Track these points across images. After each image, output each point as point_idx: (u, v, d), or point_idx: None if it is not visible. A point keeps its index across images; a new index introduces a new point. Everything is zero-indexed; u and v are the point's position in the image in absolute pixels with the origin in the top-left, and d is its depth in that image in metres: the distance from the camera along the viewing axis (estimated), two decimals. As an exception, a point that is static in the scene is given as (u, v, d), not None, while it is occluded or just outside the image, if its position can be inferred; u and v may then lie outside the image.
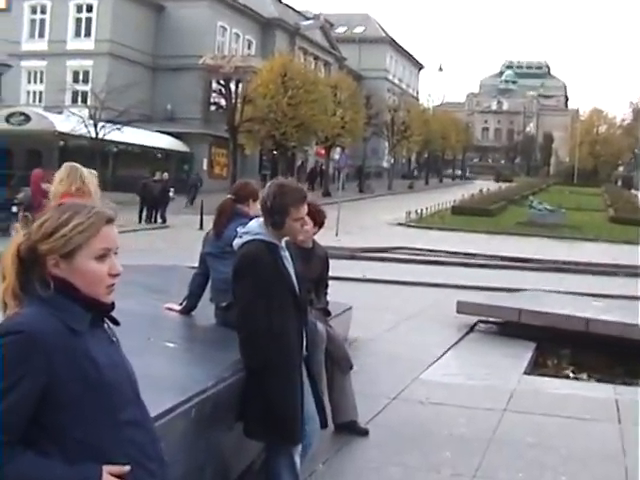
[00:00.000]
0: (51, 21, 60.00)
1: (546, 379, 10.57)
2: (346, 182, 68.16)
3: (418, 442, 7.38)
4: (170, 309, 7.46)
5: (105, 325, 2.77)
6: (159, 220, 37.09)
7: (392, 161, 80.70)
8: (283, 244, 5.43)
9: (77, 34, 59.62)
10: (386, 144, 79.56)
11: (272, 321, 5.18)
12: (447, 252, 27.25)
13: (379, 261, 25.22)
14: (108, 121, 38.34)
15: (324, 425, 5.60)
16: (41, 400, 2.50)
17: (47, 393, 2.50)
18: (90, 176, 8.82)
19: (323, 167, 68.22)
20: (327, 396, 7.43)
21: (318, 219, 7.46)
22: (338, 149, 63.63)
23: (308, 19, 79.26)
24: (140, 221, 36.41)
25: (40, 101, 58.72)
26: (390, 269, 22.71)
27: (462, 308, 13.59)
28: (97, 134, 37.46)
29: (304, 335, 5.42)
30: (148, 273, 11.04)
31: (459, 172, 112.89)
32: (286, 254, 5.43)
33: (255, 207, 6.75)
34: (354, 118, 62.27)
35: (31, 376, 2.47)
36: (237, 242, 5.46)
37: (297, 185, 5.58)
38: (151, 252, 20.75)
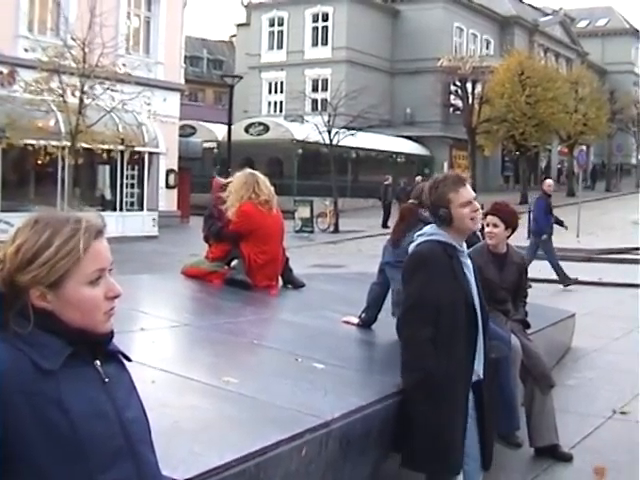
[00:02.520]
0: (289, 32, 61.09)
1: None
2: (590, 180, 66.19)
3: (628, 471, 6.51)
4: (347, 322, 6.98)
5: (97, 362, 2.20)
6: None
7: (639, 158, 77.22)
8: (464, 248, 4.84)
9: (314, 43, 60.50)
10: (633, 140, 76.36)
11: (439, 329, 4.57)
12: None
13: (618, 263, 23.88)
14: (345, 127, 38.43)
15: (486, 466, 4.83)
16: None
17: None
18: (266, 182, 8.61)
19: (560, 166, 66.44)
20: (525, 416, 6.80)
21: (510, 221, 6.83)
22: (583, 147, 61.52)
23: (547, 15, 77.25)
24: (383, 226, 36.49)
25: (281, 111, 59.86)
26: (630, 271, 21.36)
27: (702, 315, 12.38)
28: (331, 140, 37.56)
29: (476, 356, 4.72)
30: (348, 281, 10.65)
31: None
32: (467, 261, 4.82)
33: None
34: (597, 114, 59.94)
35: None
36: (411, 247, 4.93)
37: (454, 172, 5.05)
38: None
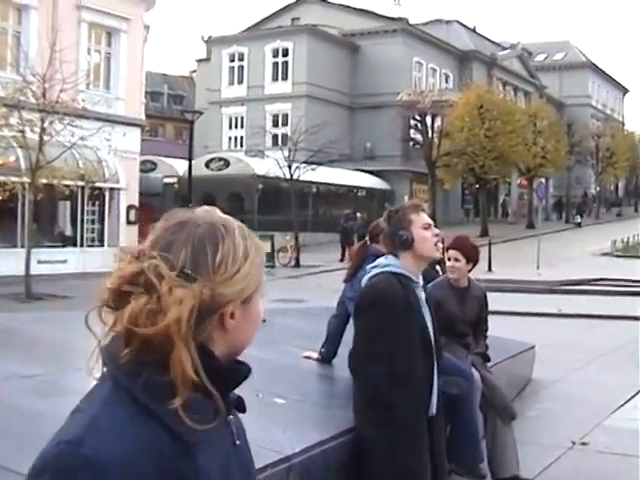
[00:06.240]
0: (249, 67, 61.24)
1: None
2: (552, 213, 66.78)
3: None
4: (308, 357, 6.99)
5: (230, 417, 1.75)
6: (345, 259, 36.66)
7: (598, 189, 78.08)
8: (420, 280, 4.73)
9: (274, 78, 60.66)
10: (591, 172, 77.17)
11: (397, 364, 4.49)
12: (652, 283, 25.63)
13: (579, 294, 24.04)
14: (305, 162, 38.57)
15: None
16: None
17: None
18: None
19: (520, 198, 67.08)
20: (487, 448, 6.81)
21: (471, 256, 6.89)
22: (542, 179, 62.04)
23: (505, 49, 78.17)
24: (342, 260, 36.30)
25: (241, 146, 59.84)
26: (590, 302, 21.54)
27: (660, 345, 12.47)
28: (292, 175, 37.68)
29: (434, 390, 4.68)
30: (309, 316, 10.62)
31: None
32: (422, 295, 4.73)
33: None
34: (556, 147, 60.52)
35: None
36: (365, 279, 4.89)
37: (412, 200, 5.09)
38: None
